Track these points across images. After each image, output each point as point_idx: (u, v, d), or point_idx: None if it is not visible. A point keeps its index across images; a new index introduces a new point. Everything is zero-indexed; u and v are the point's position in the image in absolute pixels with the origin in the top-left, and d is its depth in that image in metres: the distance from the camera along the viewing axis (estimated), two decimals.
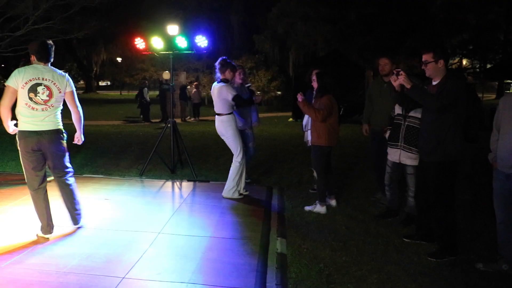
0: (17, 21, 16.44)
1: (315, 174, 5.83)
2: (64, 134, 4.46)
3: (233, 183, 5.88)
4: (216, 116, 5.91)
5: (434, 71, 4.08)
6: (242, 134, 6.38)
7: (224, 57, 5.95)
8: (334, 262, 3.97)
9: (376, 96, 5.74)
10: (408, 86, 4.09)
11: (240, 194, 5.92)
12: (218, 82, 5.88)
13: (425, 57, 4.09)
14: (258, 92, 6.48)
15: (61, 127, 4.41)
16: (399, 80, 4.19)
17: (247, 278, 3.59)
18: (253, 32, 29.94)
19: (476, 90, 15.42)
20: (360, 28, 21.51)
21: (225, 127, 5.82)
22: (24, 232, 4.51)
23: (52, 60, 4.36)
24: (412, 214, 4.95)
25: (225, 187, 5.95)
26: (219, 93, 5.76)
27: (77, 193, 4.62)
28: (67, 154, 4.50)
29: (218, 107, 5.85)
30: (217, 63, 5.90)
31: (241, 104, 5.89)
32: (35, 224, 4.68)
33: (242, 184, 6.00)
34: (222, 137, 5.94)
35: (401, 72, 4.19)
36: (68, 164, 4.52)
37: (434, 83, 4.14)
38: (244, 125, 6.46)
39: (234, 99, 5.71)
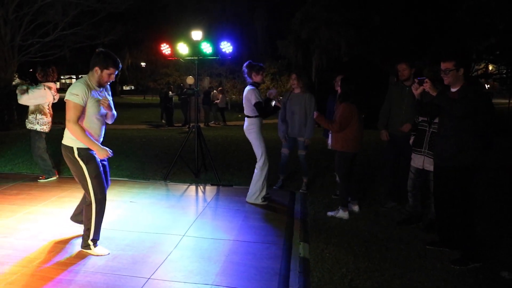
0: (47, 27, 16.89)
1: (337, 178, 5.86)
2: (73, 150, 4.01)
3: (255, 188, 5.93)
4: (245, 118, 6.02)
5: (454, 79, 4.08)
6: (294, 141, 6.65)
7: (249, 61, 6.04)
8: (357, 267, 3.98)
9: (397, 100, 5.69)
10: (434, 93, 4.12)
11: (265, 200, 5.96)
12: (249, 85, 5.98)
13: (446, 65, 4.08)
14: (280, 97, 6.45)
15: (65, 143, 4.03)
16: (424, 87, 4.20)
17: (270, 281, 3.63)
18: (276, 37, 29.96)
19: (491, 97, 15.26)
20: (384, 32, 21.34)
21: (248, 130, 5.92)
22: (53, 231, 4.65)
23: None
24: (435, 221, 4.93)
25: (249, 192, 6.01)
26: (246, 94, 5.88)
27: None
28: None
29: (245, 108, 5.96)
30: (243, 68, 6.02)
31: (261, 114, 5.89)
32: (64, 224, 4.83)
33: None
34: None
35: (426, 80, 4.20)
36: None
37: (453, 90, 4.14)
38: (292, 133, 6.65)
39: (255, 105, 5.79)
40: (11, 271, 3.68)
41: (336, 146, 5.49)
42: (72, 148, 3.96)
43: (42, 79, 6.81)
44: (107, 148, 4.07)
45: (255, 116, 5.86)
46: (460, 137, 4.03)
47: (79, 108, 3.84)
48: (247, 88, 5.93)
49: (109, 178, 4.36)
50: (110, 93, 4.30)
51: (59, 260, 3.94)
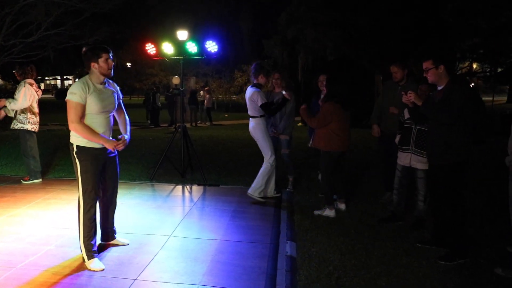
0: (29, 28, 16.68)
1: (319, 176, 5.89)
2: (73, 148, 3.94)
3: (261, 182, 5.95)
4: (249, 118, 6.04)
5: (436, 77, 4.14)
6: (277, 140, 6.62)
7: (259, 62, 6.07)
8: (343, 265, 3.99)
9: (390, 100, 5.77)
10: (419, 103, 4.19)
11: (263, 197, 5.97)
12: (251, 86, 5.99)
13: (425, 65, 4.16)
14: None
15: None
16: (409, 99, 4.26)
17: (257, 280, 3.63)
18: (262, 37, 29.99)
19: (480, 94, 15.48)
20: (370, 33, 21.47)
21: (254, 130, 5.95)
22: (38, 234, 4.59)
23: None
24: (421, 218, 4.97)
25: (253, 185, 5.98)
26: (251, 96, 5.87)
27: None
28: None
29: (249, 109, 5.97)
30: (252, 67, 6.07)
31: (270, 113, 5.98)
32: (49, 227, 4.78)
33: (273, 187, 6.11)
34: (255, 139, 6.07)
35: (409, 92, 4.29)
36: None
37: (439, 88, 4.19)
38: (271, 131, 6.58)
39: (261, 106, 5.82)
40: None
41: (319, 145, 5.48)
42: (72, 144, 3.90)
43: (20, 77, 6.74)
44: (115, 140, 4.06)
45: (260, 116, 5.89)
46: (447, 134, 4.05)
47: (79, 108, 3.75)
48: (250, 89, 5.93)
49: (117, 180, 4.37)
50: (119, 93, 4.26)
51: (44, 263, 3.89)
